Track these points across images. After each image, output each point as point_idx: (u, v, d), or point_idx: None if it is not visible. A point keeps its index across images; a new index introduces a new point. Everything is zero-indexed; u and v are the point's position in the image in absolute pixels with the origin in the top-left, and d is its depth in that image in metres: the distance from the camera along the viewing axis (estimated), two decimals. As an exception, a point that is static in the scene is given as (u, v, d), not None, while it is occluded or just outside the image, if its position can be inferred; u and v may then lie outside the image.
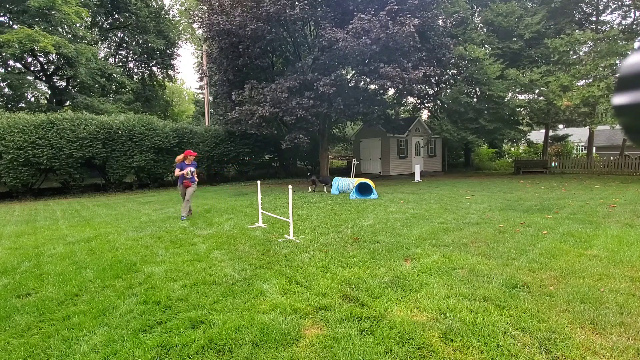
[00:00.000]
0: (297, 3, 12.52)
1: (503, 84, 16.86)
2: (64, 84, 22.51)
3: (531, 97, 18.26)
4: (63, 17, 17.69)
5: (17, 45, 16.15)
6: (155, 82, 29.18)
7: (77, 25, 19.39)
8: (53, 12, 17.49)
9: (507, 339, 2.45)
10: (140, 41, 26.67)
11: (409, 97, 21.03)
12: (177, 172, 7.63)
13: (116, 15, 25.65)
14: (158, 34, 26.47)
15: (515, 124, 20.15)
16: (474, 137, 18.45)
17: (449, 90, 20.00)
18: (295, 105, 13.09)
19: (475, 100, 19.11)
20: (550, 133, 25.42)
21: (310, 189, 12.52)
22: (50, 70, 21.20)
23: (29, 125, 12.69)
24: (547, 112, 17.23)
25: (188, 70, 71.87)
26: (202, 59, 22.17)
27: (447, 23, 15.94)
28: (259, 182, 7.85)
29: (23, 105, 21.69)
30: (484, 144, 24.34)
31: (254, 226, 6.56)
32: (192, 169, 7.66)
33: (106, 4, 23.59)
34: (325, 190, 12.50)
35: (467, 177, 18.94)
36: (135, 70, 29.07)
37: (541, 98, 17.10)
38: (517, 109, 18.46)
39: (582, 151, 31.84)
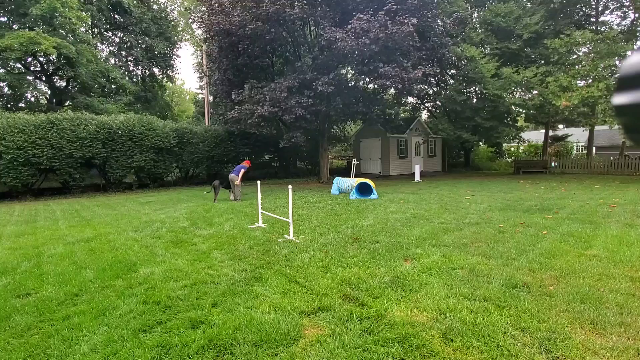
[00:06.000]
0: (296, 3, 12.53)
1: (498, 83, 16.90)
2: (64, 84, 22.49)
3: (527, 96, 18.31)
4: (65, 20, 17.72)
5: (17, 47, 16.14)
6: (155, 83, 29.17)
7: (78, 27, 19.40)
8: (56, 14, 17.47)
9: (507, 339, 2.45)
10: (141, 42, 26.67)
11: (408, 97, 21.04)
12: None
13: (117, 17, 25.64)
14: (159, 35, 26.49)
15: (513, 122, 20.23)
16: (469, 135, 18.53)
17: (447, 90, 20.06)
18: (294, 104, 13.10)
19: (474, 99, 19.16)
20: (550, 133, 25.42)
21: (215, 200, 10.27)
22: (50, 71, 21.19)
23: (29, 125, 12.68)
24: (542, 107, 17.18)
25: (188, 70, 71.88)
26: (202, 59, 22.18)
27: (446, 23, 15.96)
28: (258, 182, 7.84)
29: (23, 105, 21.66)
30: (479, 142, 24.42)
31: (254, 226, 6.56)
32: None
33: (106, 6, 23.61)
34: (231, 197, 10.49)
35: (467, 177, 18.94)
36: (136, 71, 29.07)
37: (535, 92, 17.18)
38: (513, 107, 18.53)
39: (582, 151, 31.85)
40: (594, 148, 23.98)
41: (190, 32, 34.86)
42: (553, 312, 2.81)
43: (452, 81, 20.67)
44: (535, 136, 33.56)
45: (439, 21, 16.08)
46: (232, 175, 10.40)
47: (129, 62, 28.33)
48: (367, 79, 15.38)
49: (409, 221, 6.60)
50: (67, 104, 21.69)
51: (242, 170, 10.32)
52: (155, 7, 27.22)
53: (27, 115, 13.28)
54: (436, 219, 6.76)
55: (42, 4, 16.85)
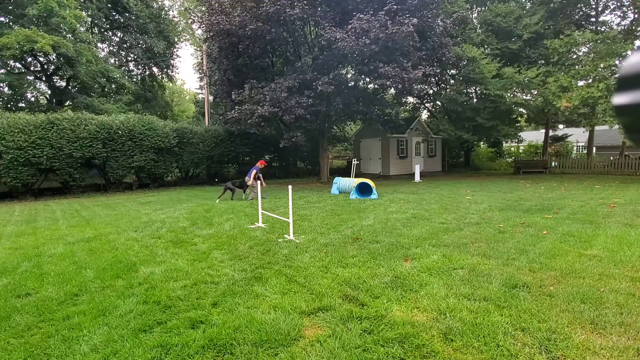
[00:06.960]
0: (296, 3, 12.52)
1: (499, 83, 16.91)
2: (64, 84, 22.48)
3: (528, 97, 18.33)
4: (62, 20, 17.71)
5: (17, 46, 16.14)
6: (155, 83, 29.16)
7: (77, 27, 19.40)
8: (54, 13, 17.46)
9: (507, 339, 2.45)
10: (141, 42, 26.67)
11: (408, 97, 21.04)
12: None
13: (116, 16, 25.65)
14: (158, 34, 26.47)
15: (514, 121, 20.26)
16: (470, 135, 18.58)
17: (448, 90, 20.08)
18: (294, 105, 13.11)
19: (475, 99, 19.18)
20: (550, 133, 25.43)
21: (221, 197, 10.69)
22: (50, 70, 21.19)
23: (29, 125, 12.67)
24: (543, 109, 17.24)
25: (188, 70, 71.92)
26: (202, 59, 22.18)
27: (446, 23, 15.96)
28: (258, 182, 7.85)
29: (23, 105, 21.65)
30: (479, 142, 24.43)
31: (254, 226, 6.56)
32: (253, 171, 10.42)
33: (106, 5, 23.60)
34: (243, 197, 11.10)
35: (467, 177, 18.94)
36: (136, 70, 29.06)
37: (535, 92, 17.23)
38: (514, 107, 18.55)
39: (582, 151, 31.86)
40: (594, 148, 23.99)
41: (190, 32, 34.86)
42: (553, 312, 2.81)
43: (452, 81, 20.69)
44: (535, 136, 33.59)
45: (439, 21, 16.07)
46: (246, 177, 10.71)
47: (129, 62, 28.33)
48: (367, 79, 15.38)
49: (409, 221, 6.60)
50: (67, 104, 21.69)
51: (254, 171, 10.41)
52: (155, 5, 27.21)
53: (27, 115, 13.27)
54: (436, 219, 6.76)
55: (39, 4, 16.86)
